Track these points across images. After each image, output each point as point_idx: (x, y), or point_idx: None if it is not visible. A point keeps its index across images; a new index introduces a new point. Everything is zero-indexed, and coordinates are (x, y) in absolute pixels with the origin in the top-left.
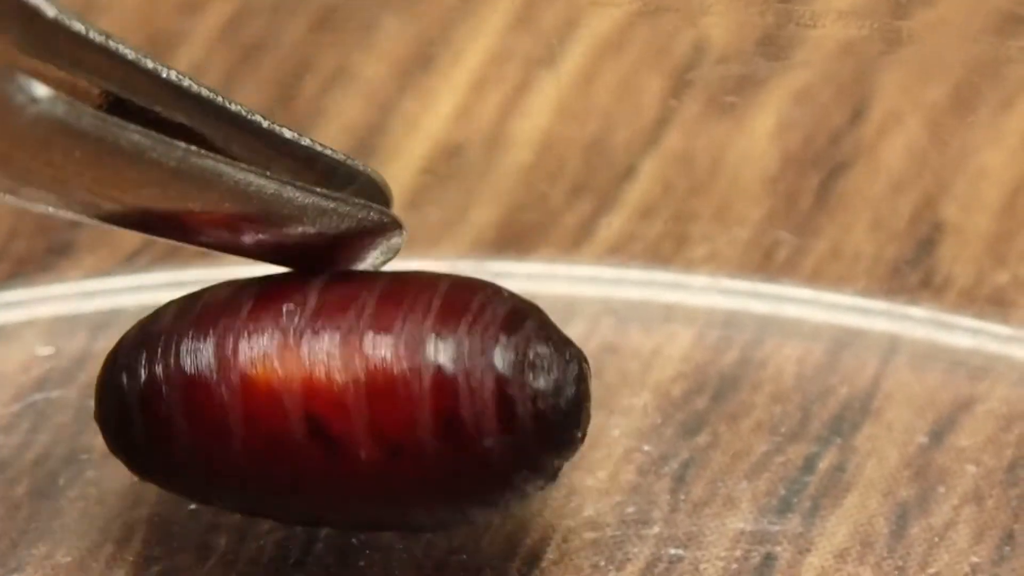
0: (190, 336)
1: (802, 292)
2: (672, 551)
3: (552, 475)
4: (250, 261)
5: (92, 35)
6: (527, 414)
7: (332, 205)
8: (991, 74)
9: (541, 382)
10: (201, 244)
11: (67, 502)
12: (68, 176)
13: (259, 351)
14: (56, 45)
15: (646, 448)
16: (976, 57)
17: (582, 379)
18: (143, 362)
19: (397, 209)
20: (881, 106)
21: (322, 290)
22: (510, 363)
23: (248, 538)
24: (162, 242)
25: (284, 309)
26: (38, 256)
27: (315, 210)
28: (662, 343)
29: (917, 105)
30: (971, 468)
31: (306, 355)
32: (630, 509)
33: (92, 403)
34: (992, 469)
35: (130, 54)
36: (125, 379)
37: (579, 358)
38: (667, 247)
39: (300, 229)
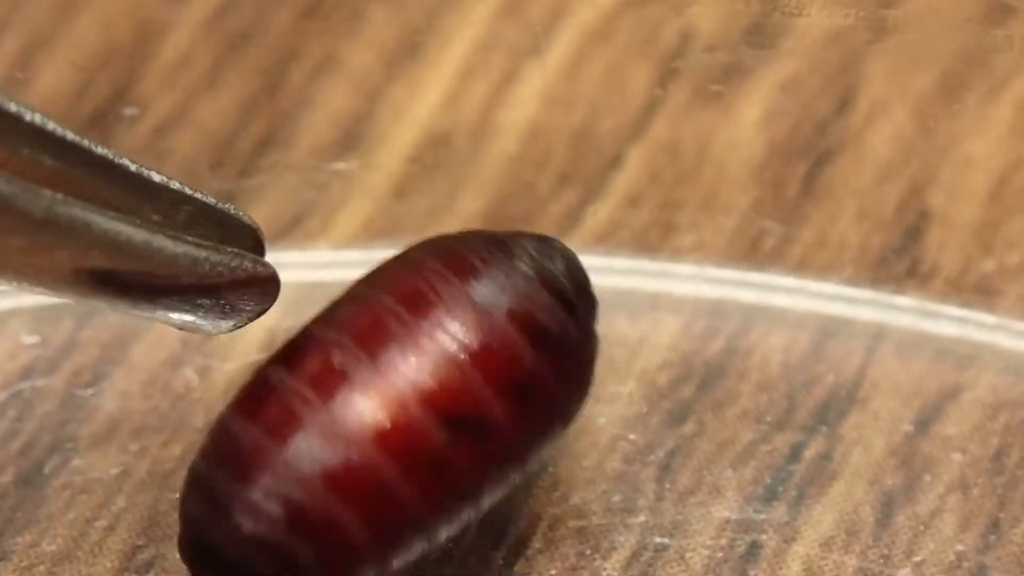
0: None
1: (788, 281)
2: (658, 539)
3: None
4: None
5: None
6: (571, 294)
7: (204, 254)
8: (978, 63)
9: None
10: (72, 296)
11: (53, 491)
12: None
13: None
14: None
15: (632, 437)
16: (962, 45)
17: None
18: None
19: (384, 197)
20: (868, 95)
21: (342, 331)
22: (535, 271)
23: None
24: None
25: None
26: None
27: (187, 259)
28: (648, 332)
29: (904, 94)
30: (957, 456)
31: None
32: (616, 498)
33: (78, 392)
34: (978, 457)
35: None
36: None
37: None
38: (654, 236)
39: (171, 279)
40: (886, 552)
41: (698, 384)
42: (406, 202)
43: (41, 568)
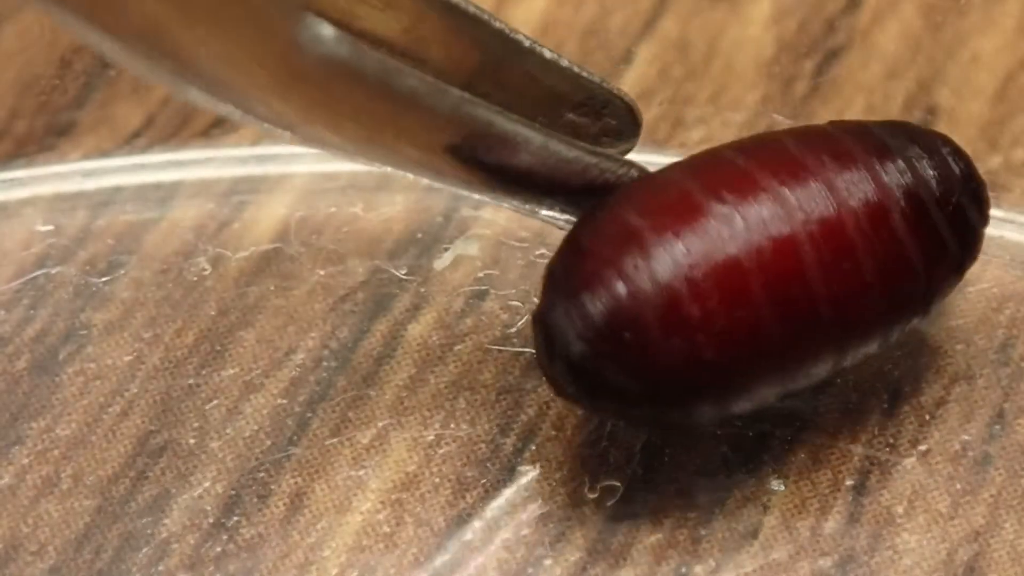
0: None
1: None
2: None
3: None
4: (249, 141)
5: None
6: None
7: (595, 160)
8: None
9: None
10: (432, 176)
11: (67, 377)
12: (345, 117)
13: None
14: None
15: None
16: None
17: None
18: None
19: None
20: None
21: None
22: None
23: (244, 412)
24: (162, 122)
25: None
26: (39, 136)
27: (579, 163)
28: None
29: None
30: (962, 348)
31: None
32: None
33: (92, 280)
34: (983, 349)
35: None
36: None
37: None
38: (663, 130)
39: (559, 180)
40: (891, 441)
41: None
42: None
43: (55, 452)
